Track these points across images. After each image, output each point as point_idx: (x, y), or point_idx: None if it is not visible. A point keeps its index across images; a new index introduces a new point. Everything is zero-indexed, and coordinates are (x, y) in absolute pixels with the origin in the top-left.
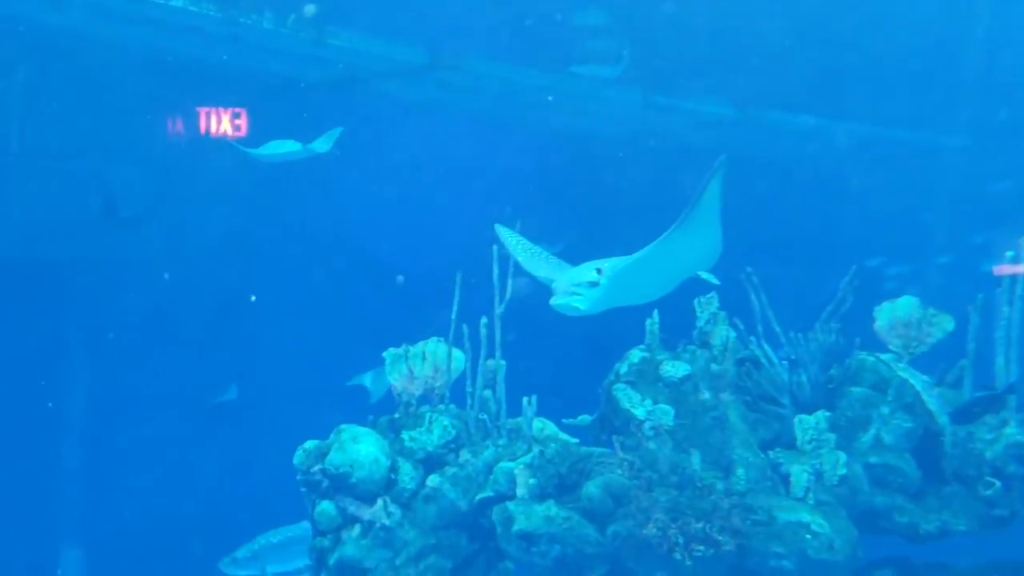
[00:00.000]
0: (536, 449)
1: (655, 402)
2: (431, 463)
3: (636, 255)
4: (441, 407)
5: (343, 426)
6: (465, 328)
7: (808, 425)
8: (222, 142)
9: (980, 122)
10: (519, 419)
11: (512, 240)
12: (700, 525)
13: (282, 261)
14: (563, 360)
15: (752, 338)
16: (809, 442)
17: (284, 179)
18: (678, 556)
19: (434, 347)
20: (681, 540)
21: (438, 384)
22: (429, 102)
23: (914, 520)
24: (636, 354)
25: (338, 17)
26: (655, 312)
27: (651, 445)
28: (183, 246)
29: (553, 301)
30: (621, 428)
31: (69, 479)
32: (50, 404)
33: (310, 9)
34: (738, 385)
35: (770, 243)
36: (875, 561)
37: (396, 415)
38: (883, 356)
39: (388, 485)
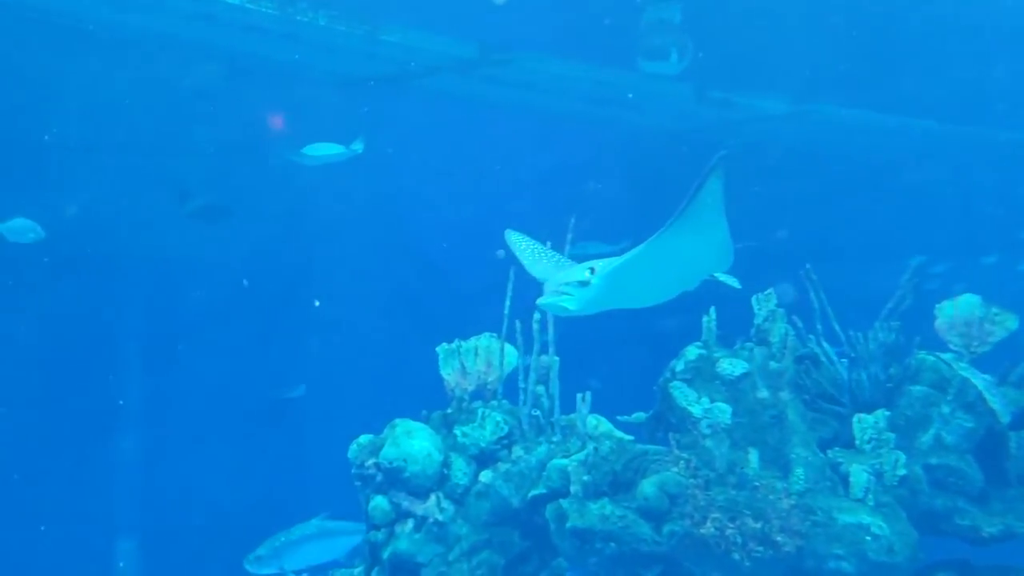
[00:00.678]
0: (590, 446)
1: (712, 400)
2: (484, 459)
3: (627, 255)
4: (494, 403)
5: (397, 420)
6: (518, 324)
7: (867, 424)
8: (276, 142)
9: None
10: (573, 416)
11: (521, 245)
12: (759, 525)
13: (339, 257)
14: (616, 357)
15: (811, 336)
16: (868, 442)
17: (338, 176)
18: (736, 556)
19: (487, 343)
20: (739, 540)
21: (490, 380)
22: (479, 97)
23: (976, 523)
24: (693, 351)
25: (391, 14)
26: (712, 309)
27: (708, 443)
28: (245, 243)
29: (540, 301)
30: (677, 426)
31: (137, 468)
32: (120, 401)
33: None
34: (797, 383)
35: (818, 240)
36: (935, 564)
37: (449, 410)
38: (944, 355)
39: (441, 480)
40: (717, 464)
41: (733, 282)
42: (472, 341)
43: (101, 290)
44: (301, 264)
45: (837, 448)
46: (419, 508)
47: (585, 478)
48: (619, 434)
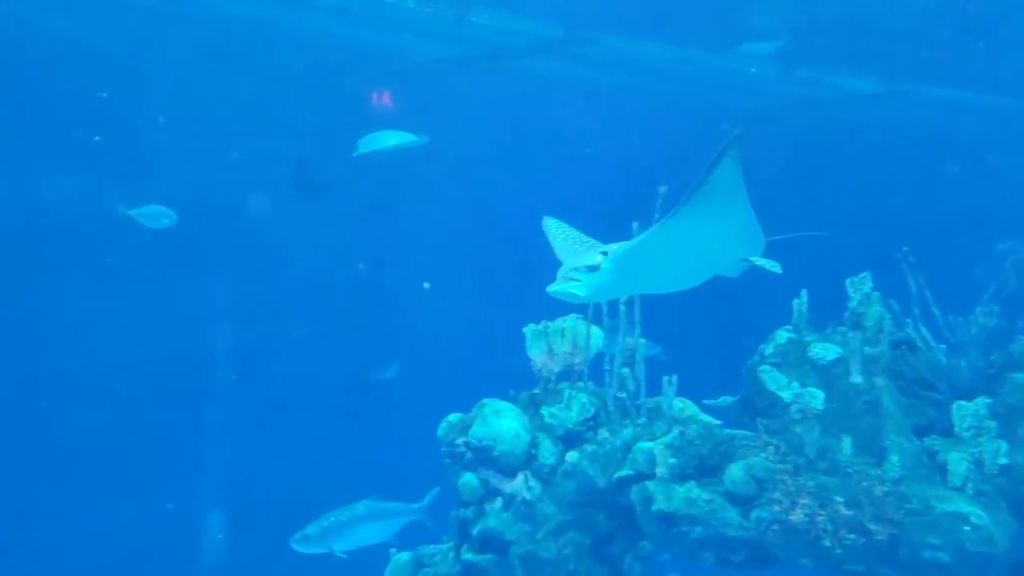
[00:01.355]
0: (677, 430)
1: (803, 385)
2: (570, 439)
3: (638, 238)
4: (580, 384)
5: (485, 400)
6: (604, 307)
7: (967, 412)
8: (364, 124)
9: None
10: (659, 398)
11: (557, 232)
12: (851, 512)
13: (430, 241)
14: (702, 341)
15: (908, 320)
16: (968, 429)
17: (425, 159)
18: (827, 544)
19: (573, 324)
20: (830, 527)
21: (577, 361)
22: (565, 77)
23: None
24: (783, 335)
25: None
26: (803, 292)
27: (798, 429)
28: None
29: (549, 288)
30: (765, 411)
31: (243, 443)
32: (233, 377)
33: None
34: (892, 369)
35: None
36: None
37: (536, 391)
38: None
39: (528, 460)
40: (807, 450)
41: (773, 267)
42: (559, 322)
43: (203, 268)
44: (395, 247)
45: (934, 436)
46: (507, 486)
47: (671, 461)
48: (706, 418)
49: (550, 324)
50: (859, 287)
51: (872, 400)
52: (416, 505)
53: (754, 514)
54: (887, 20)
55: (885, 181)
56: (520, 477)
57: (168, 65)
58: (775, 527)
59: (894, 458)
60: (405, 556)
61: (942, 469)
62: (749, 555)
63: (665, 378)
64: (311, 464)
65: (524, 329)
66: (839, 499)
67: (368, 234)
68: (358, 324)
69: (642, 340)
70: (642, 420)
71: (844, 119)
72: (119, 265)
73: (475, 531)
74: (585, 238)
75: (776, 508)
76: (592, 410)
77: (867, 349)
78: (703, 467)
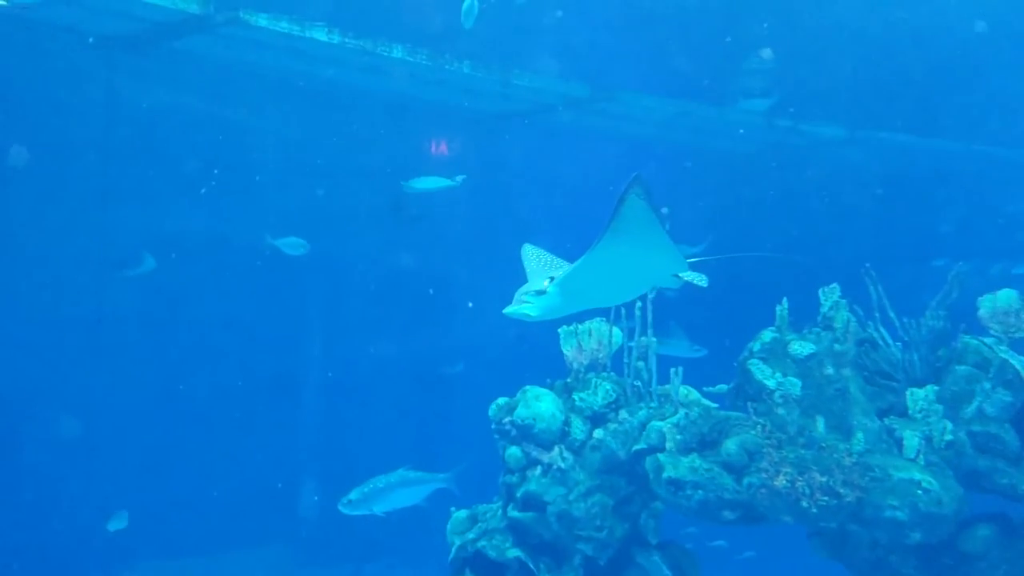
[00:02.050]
0: (682, 412)
1: (784, 375)
2: (596, 419)
3: (572, 266)
4: (604, 374)
5: (527, 387)
6: (623, 311)
7: (919, 397)
8: (423, 168)
9: None
10: (667, 386)
11: (532, 258)
12: (824, 479)
13: (482, 263)
14: (700, 339)
15: (870, 323)
16: (920, 412)
17: (475, 194)
18: (804, 504)
19: (598, 326)
20: (808, 491)
21: (601, 355)
22: (590, 127)
23: (1013, 481)
24: (767, 334)
25: (520, 62)
26: (784, 299)
27: (780, 411)
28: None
29: (506, 310)
30: (754, 396)
31: (328, 426)
32: (330, 373)
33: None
34: (857, 363)
35: (871, 245)
36: (977, 516)
37: (568, 380)
38: (986, 340)
39: (562, 435)
40: (788, 428)
41: (700, 280)
42: (586, 324)
43: (298, 285)
44: (455, 268)
45: (892, 416)
46: (545, 457)
47: (678, 437)
48: (706, 402)
49: (579, 326)
50: (829, 295)
51: (841, 388)
52: (444, 474)
53: (745, 480)
54: (854, 76)
55: (848, 209)
56: (556, 450)
57: (273, 121)
58: (763, 491)
59: (859, 435)
60: (463, 513)
61: (899, 444)
62: (741, 514)
63: (672, 369)
64: (393, 441)
65: (558, 330)
66: (815, 468)
67: (433, 260)
68: (432, 330)
69: (654, 339)
70: (654, 404)
71: (815, 159)
72: (237, 280)
73: (519, 493)
74: (559, 261)
75: (763, 475)
76: (614, 395)
77: (836, 346)
78: (704, 442)
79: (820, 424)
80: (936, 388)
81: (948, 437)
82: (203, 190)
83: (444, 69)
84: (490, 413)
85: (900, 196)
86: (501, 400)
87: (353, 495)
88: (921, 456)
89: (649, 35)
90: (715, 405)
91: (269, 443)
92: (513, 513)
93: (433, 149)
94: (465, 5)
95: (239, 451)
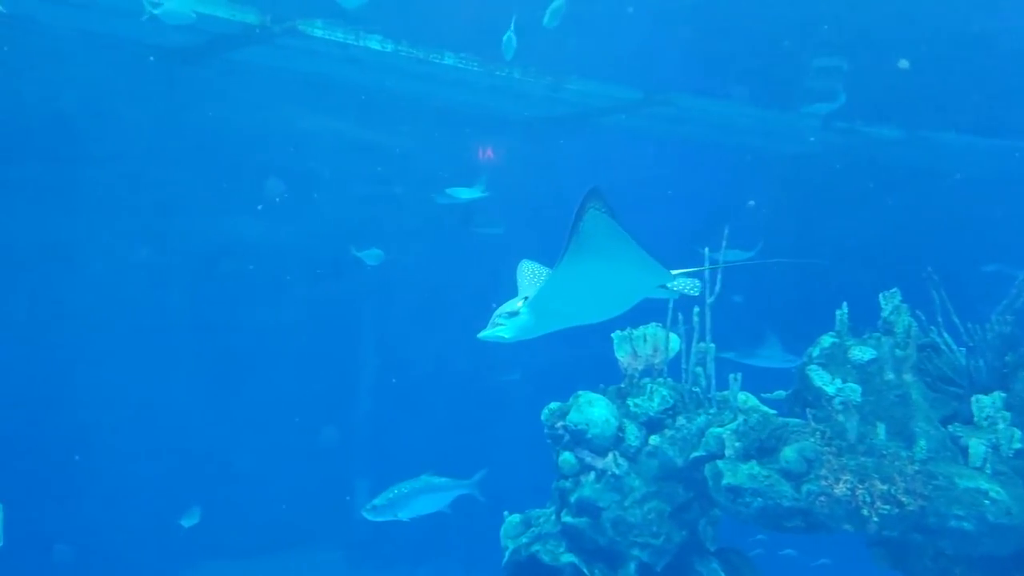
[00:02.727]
0: (741, 418)
1: (844, 381)
2: (651, 425)
3: (539, 286)
4: (660, 380)
5: (580, 392)
6: (680, 316)
7: (985, 404)
8: (478, 173)
9: None
10: (726, 392)
11: (526, 274)
12: (885, 487)
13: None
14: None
15: (932, 327)
16: (986, 419)
17: (532, 199)
18: (865, 512)
19: (653, 331)
20: (868, 499)
21: (657, 361)
22: (643, 131)
23: None
24: (827, 340)
25: (572, 67)
26: (844, 304)
27: (840, 418)
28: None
29: (480, 335)
30: (813, 402)
31: (394, 428)
32: (394, 380)
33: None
34: (919, 368)
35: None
36: None
37: (622, 385)
38: None
39: (616, 441)
40: (848, 435)
41: (692, 290)
42: (641, 329)
43: (356, 290)
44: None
45: (956, 424)
46: (599, 463)
47: (737, 444)
48: (764, 408)
49: (634, 331)
50: (890, 300)
51: (902, 394)
52: (467, 481)
53: (804, 488)
54: (912, 80)
55: (902, 212)
56: (610, 456)
57: (328, 129)
58: (822, 499)
59: (922, 442)
60: (516, 517)
61: (964, 452)
62: (801, 522)
63: (731, 376)
64: (447, 446)
65: (612, 335)
66: (875, 476)
67: (485, 266)
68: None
69: (712, 344)
70: (713, 410)
71: (872, 160)
72: (297, 286)
73: (572, 499)
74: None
75: (823, 483)
76: (671, 401)
77: (897, 351)
78: (762, 449)
79: (881, 431)
80: (1004, 395)
81: (1017, 445)
82: (260, 201)
83: (495, 75)
84: (542, 418)
85: (951, 197)
86: (553, 405)
87: (378, 501)
88: (988, 465)
89: (705, 37)
90: (773, 411)
91: (326, 446)
92: (567, 518)
93: (484, 155)
94: (553, 5)
95: (295, 454)
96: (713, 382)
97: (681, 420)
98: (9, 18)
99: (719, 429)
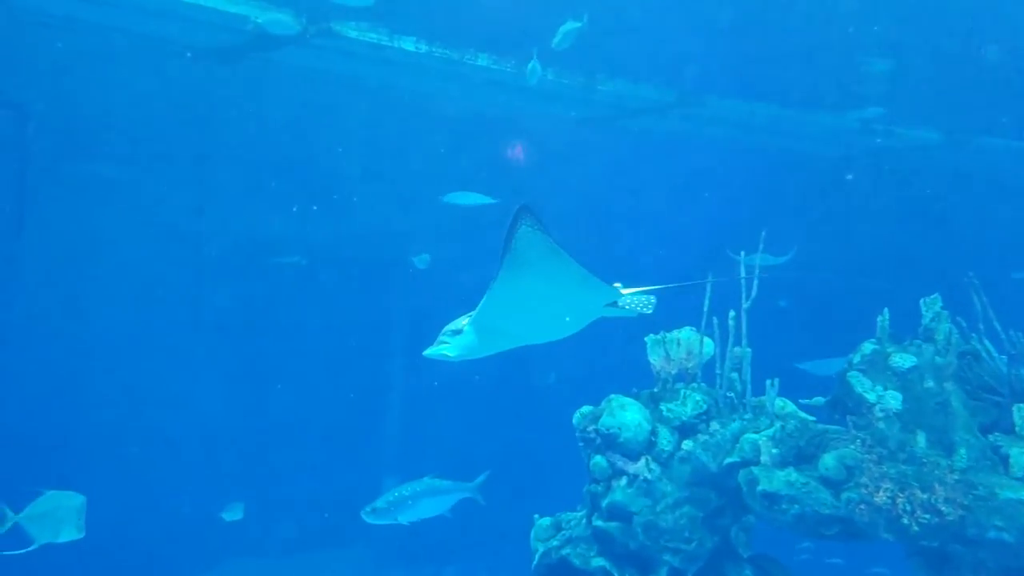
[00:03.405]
0: (778, 424)
1: (884, 388)
2: (685, 430)
3: (479, 306)
4: (693, 385)
5: (612, 395)
6: (715, 320)
7: None
8: (510, 171)
9: None
10: (762, 398)
11: None
12: (925, 496)
13: None
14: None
15: (973, 335)
16: None
17: (568, 198)
18: (905, 521)
19: (687, 335)
20: (908, 508)
21: (690, 365)
22: (676, 132)
23: None
24: (868, 346)
25: (604, 68)
26: (885, 310)
27: (880, 425)
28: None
29: (425, 352)
30: (853, 409)
31: (436, 432)
32: (436, 383)
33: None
34: (960, 376)
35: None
36: None
37: (655, 389)
38: None
39: (649, 446)
40: (889, 443)
41: (646, 308)
42: (675, 333)
43: (392, 291)
44: None
45: (998, 433)
46: (631, 468)
47: (773, 451)
48: (802, 415)
49: (667, 335)
50: (930, 306)
51: (942, 402)
52: (469, 484)
53: (844, 495)
54: (952, 83)
55: (939, 216)
56: (642, 460)
57: (372, 131)
58: (862, 507)
59: (962, 451)
60: (547, 520)
61: (1005, 461)
62: (839, 530)
63: (768, 380)
64: (478, 447)
65: (645, 338)
66: (916, 484)
67: None
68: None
69: (748, 349)
70: (748, 416)
71: (910, 164)
72: (326, 282)
73: (604, 503)
74: None
75: (863, 491)
76: (704, 406)
77: (938, 359)
78: (800, 456)
79: (921, 439)
80: None
81: None
82: (295, 203)
83: (528, 76)
84: (574, 421)
85: (991, 202)
86: (585, 408)
87: (379, 503)
88: None
89: (742, 40)
90: (812, 418)
91: (355, 445)
92: (598, 522)
93: (517, 153)
94: (563, 29)
95: (325, 453)
96: (749, 388)
97: (715, 425)
98: (49, 17)
99: (755, 435)
